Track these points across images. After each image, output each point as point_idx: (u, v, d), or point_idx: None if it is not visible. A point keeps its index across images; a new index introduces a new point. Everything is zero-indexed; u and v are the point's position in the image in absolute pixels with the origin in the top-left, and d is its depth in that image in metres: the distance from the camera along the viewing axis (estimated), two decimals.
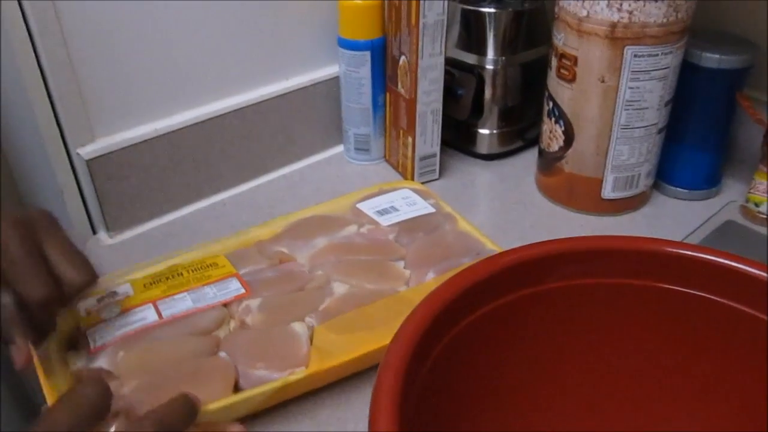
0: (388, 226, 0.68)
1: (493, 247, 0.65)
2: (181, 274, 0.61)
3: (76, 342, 0.56)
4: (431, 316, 0.42)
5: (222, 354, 0.54)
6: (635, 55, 0.65)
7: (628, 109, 0.68)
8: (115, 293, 0.58)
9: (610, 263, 0.46)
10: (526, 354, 0.49)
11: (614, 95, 0.68)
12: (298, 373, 0.52)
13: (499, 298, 0.47)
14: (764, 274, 0.43)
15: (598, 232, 0.73)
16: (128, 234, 0.74)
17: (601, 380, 0.49)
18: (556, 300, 0.47)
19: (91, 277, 0.49)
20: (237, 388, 0.52)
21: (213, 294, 0.59)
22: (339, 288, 0.61)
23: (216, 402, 0.49)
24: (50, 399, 0.49)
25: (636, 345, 0.48)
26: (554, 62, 0.71)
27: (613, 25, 0.64)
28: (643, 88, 0.67)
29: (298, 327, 0.56)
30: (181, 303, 0.57)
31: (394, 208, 0.71)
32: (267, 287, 0.60)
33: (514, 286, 0.47)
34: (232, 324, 0.58)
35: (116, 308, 0.57)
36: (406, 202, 0.72)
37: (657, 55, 0.66)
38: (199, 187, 0.78)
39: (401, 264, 0.64)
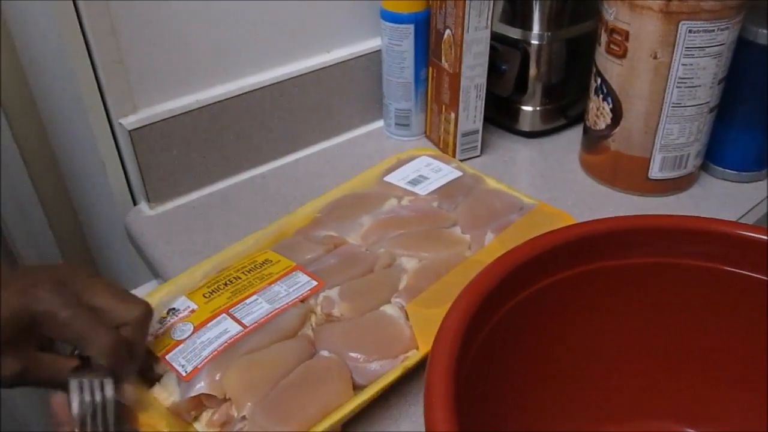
0: (428, 194, 0.68)
1: (530, 201, 0.67)
2: (239, 277, 0.57)
3: (152, 374, 0.51)
4: (479, 296, 0.42)
5: (324, 353, 0.52)
6: (690, 31, 0.63)
7: (680, 87, 0.66)
8: (175, 310, 0.55)
9: (673, 243, 0.45)
10: (577, 333, 0.48)
11: (666, 72, 0.66)
12: (413, 357, 0.51)
13: (546, 277, 0.46)
14: None
15: (644, 212, 0.71)
16: (169, 205, 0.74)
17: (655, 359, 0.49)
18: (600, 281, 0.47)
19: (146, 306, 0.47)
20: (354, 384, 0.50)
21: (285, 291, 0.56)
22: (408, 263, 0.60)
23: (346, 404, 0.48)
24: None
25: (696, 327, 0.47)
26: (604, 37, 0.70)
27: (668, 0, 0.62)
28: (696, 65, 0.65)
29: (391, 309, 0.55)
30: (257, 307, 0.54)
31: (423, 177, 0.70)
32: (335, 274, 0.58)
33: (558, 268, 0.46)
34: (314, 319, 0.55)
35: (187, 325, 0.53)
36: (431, 169, 0.71)
37: (713, 30, 0.64)
38: (238, 160, 0.78)
39: (456, 229, 0.64)
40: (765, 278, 0.45)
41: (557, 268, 0.46)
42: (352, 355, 0.51)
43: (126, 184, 0.74)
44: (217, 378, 0.49)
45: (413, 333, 0.53)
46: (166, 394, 0.50)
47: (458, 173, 0.71)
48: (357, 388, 0.50)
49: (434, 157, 0.73)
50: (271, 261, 0.59)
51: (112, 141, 0.71)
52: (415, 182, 0.69)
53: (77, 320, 0.44)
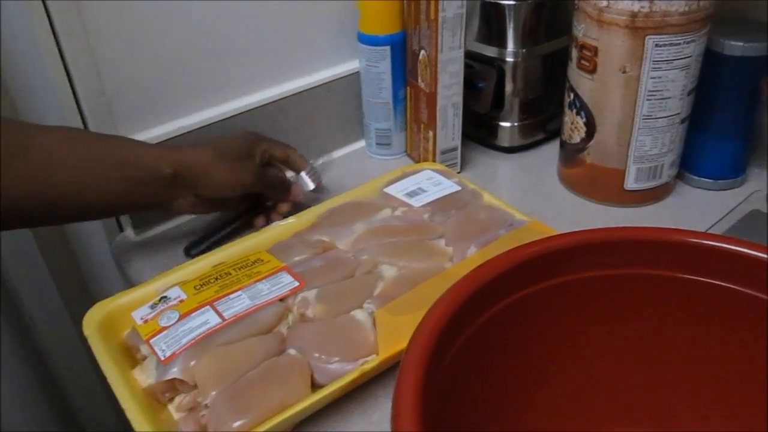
0: (421, 206, 0.69)
1: (522, 217, 0.67)
2: (230, 273, 0.61)
3: (134, 357, 0.56)
4: (452, 309, 0.43)
5: (292, 351, 0.54)
6: (657, 45, 0.65)
7: (650, 99, 0.68)
8: (166, 298, 0.58)
9: (631, 254, 0.46)
10: (545, 345, 0.49)
11: (636, 85, 0.67)
12: (372, 361, 0.53)
13: (519, 290, 0.47)
14: None
15: (621, 223, 0.72)
16: (154, 231, 0.76)
17: (623, 370, 0.49)
18: (576, 292, 0.47)
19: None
20: (313, 383, 0.53)
21: (268, 289, 0.59)
22: (388, 271, 0.62)
23: (300, 402, 0.50)
24: (135, 423, 0.49)
25: (658, 336, 0.48)
26: (574, 53, 0.71)
27: (634, 15, 0.64)
28: (665, 78, 0.67)
29: (360, 314, 0.57)
30: (239, 302, 0.57)
31: (421, 189, 0.72)
32: (318, 277, 0.60)
33: (534, 279, 0.47)
34: (291, 318, 0.58)
35: (174, 313, 0.57)
36: (431, 183, 0.73)
37: (679, 44, 0.65)
38: None
39: (442, 242, 0.65)
40: (733, 287, 0.46)
41: (532, 280, 0.47)
42: (315, 354, 0.54)
43: None
44: (191, 365, 0.52)
45: (376, 338, 0.55)
46: (144, 376, 0.53)
47: (457, 188, 0.72)
48: (317, 387, 0.52)
49: (438, 171, 0.75)
50: (262, 260, 0.62)
51: None
52: (412, 194, 0.71)
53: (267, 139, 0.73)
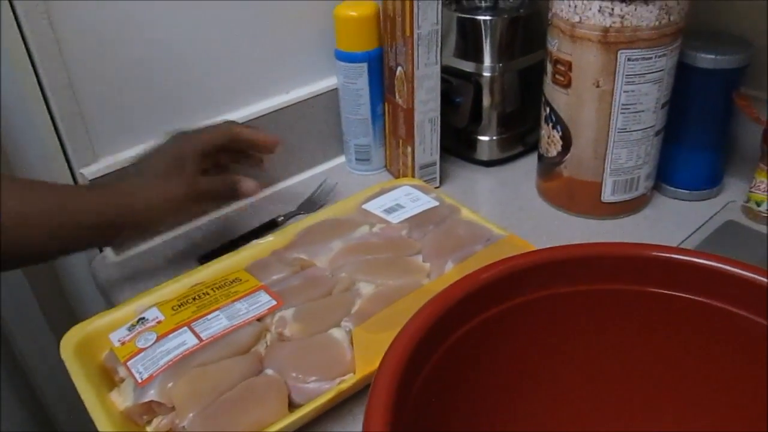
0: (399, 223, 0.69)
1: (500, 232, 0.67)
2: (207, 293, 0.61)
3: (112, 380, 0.56)
4: (425, 326, 0.43)
5: (269, 371, 0.54)
6: (629, 59, 0.66)
7: (624, 113, 0.69)
8: (144, 319, 0.58)
9: (598, 270, 0.46)
10: (519, 362, 0.49)
11: (610, 99, 0.68)
12: (348, 380, 0.53)
13: (490, 308, 0.47)
14: (762, 278, 0.43)
15: (599, 235, 0.73)
16: (133, 251, 0.75)
17: (595, 386, 0.50)
18: (546, 308, 0.48)
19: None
20: (290, 403, 0.53)
21: (245, 309, 0.59)
22: (365, 288, 0.62)
23: (277, 423, 0.50)
24: None
25: (629, 350, 0.48)
26: (549, 68, 0.72)
27: (606, 30, 0.65)
28: (638, 92, 0.68)
29: (337, 333, 0.57)
30: (216, 322, 0.57)
31: (399, 206, 0.72)
32: (295, 295, 0.61)
33: (505, 296, 0.47)
34: (269, 337, 0.58)
35: (151, 335, 0.56)
36: (409, 199, 0.73)
37: (651, 58, 0.66)
38: None
39: (419, 258, 0.66)
40: (707, 301, 0.46)
41: (503, 297, 0.47)
42: (293, 374, 0.54)
43: None
44: (168, 387, 0.52)
45: (353, 357, 0.55)
46: (121, 399, 0.53)
47: (435, 203, 0.72)
48: (295, 407, 0.52)
49: (416, 186, 0.75)
50: (241, 280, 0.62)
51: None
52: (390, 210, 0.71)
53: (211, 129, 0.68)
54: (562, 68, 0.69)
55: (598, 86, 0.68)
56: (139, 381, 0.53)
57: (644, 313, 0.47)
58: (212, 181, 0.66)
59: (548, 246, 0.48)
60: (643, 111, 0.69)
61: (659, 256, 0.45)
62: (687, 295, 0.45)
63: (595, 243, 0.48)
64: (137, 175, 0.63)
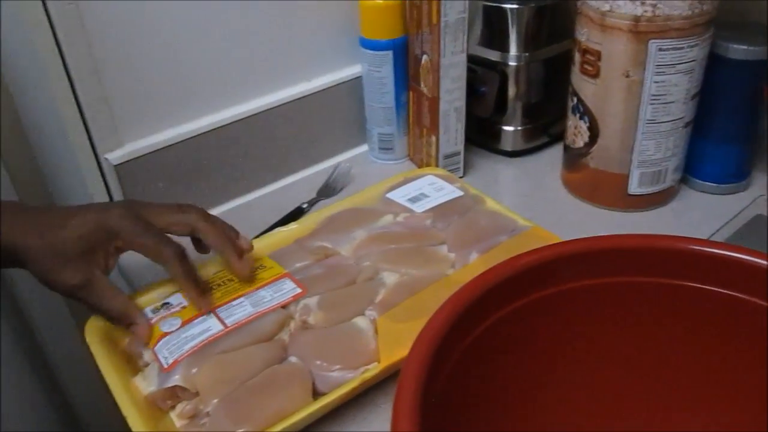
0: (423, 212, 0.69)
1: (525, 223, 0.67)
2: (232, 280, 0.61)
3: (136, 365, 0.56)
4: (451, 319, 0.42)
5: (293, 359, 0.54)
6: (660, 49, 0.65)
7: (653, 104, 0.68)
8: (168, 304, 0.59)
9: (626, 262, 0.46)
10: (544, 354, 0.49)
11: (639, 90, 0.67)
12: (373, 369, 0.53)
13: (519, 298, 0.47)
14: None
15: (624, 228, 0.72)
16: None
17: (618, 378, 0.49)
18: (577, 300, 0.47)
19: (198, 210, 0.59)
20: (314, 391, 0.52)
21: (270, 296, 0.59)
22: (389, 277, 0.61)
23: (301, 410, 0.50)
24: (137, 430, 0.49)
25: (655, 344, 0.48)
26: (577, 58, 0.71)
27: (637, 19, 0.64)
28: (668, 82, 0.66)
29: (361, 321, 0.57)
30: (241, 309, 0.57)
31: (423, 195, 0.71)
32: (319, 284, 0.60)
33: (534, 287, 0.47)
34: (293, 324, 0.58)
35: (176, 320, 0.57)
36: (433, 188, 0.72)
37: (682, 48, 0.65)
38: (224, 189, 0.79)
39: (443, 248, 0.65)
40: (737, 295, 0.45)
41: (532, 288, 0.47)
42: (317, 362, 0.53)
43: None
44: (192, 372, 0.52)
45: (377, 346, 0.54)
46: (145, 383, 0.53)
47: (459, 193, 0.72)
48: (319, 395, 0.52)
49: (440, 176, 0.75)
50: (265, 266, 0.62)
51: (99, 176, 0.72)
52: (414, 200, 0.71)
53: (148, 236, 0.55)
54: (591, 58, 0.68)
55: (627, 76, 0.67)
56: (165, 366, 0.53)
57: (680, 306, 0.46)
58: (107, 299, 0.55)
59: (573, 238, 0.48)
60: (672, 102, 0.68)
61: (699, 250, 0.44)
62: (722, 290, 0.44)
63: (633, 234, 0.47)
64: (45, 234, 0.53)
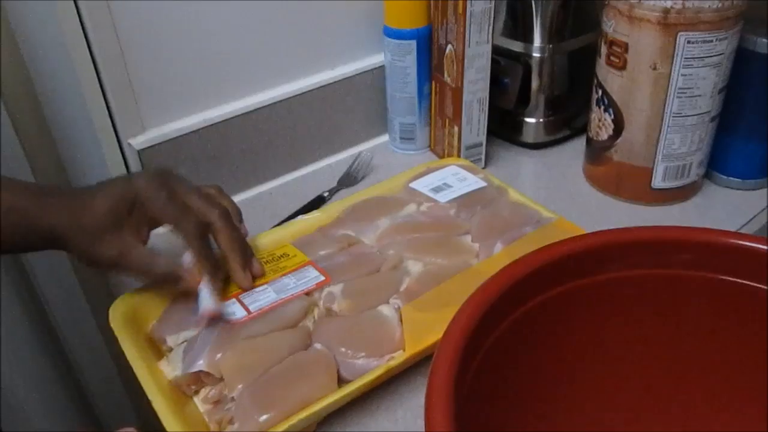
0: (447, 202, 0.69)
1: (549, 215, 0.66)
2: None
3: (159, 349, 0.56)
4: (484, 306, 0.42)
5: (318, 346, 0.54)
6: (689, 42, 0.64)
7: (680, 97, 0.67)
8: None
9: (664, 254, 0.45)
10: (574, 344, 0.48)
11: (666, 83, 0.67)
12: (398, 358, 0.53)
13: (550, 289, 0.46)
14: None
15: (647, 222, 0.72)
16: None
17: (653, 370, 0.49)
18: (607, 291, 0.47)
19: (222, 208, 0.58)
20: (338, 378, 0.52)
21: (294, 284, 0.59)
22: (414, 266, 0.61)
23: (327, 397, 0.50)
24: (163, 415, 0.49)
25: (688, 337, 0.47)
26: (604, 49, 0.70)
27: (666, 11, 0.63)
28: (696, 75, 0.66)
29: (386, 310, 0.57)
30: (264, 295, 0.57)
31: (447, 185, 0.71)
32: (344, 272, 0.60)
33: (565, 278, 0.46)
34: (317, 312, 0.58)
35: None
36: (457, 179, 0.72)
37: (711, 41, 0.64)
38: (245, 177, 0.79)
39: (467, 238, 0.65)
40: (763, 287, 0.45)
41: (562, 279, 0.47)
42: (342, 349, 0.53)
43: None
44: (216, 358, 0.52)
45: (402, 335, 0.54)
46: (169, 368, 0.53)
47: (483, 184, 0.71)
48: (343, 382, 0.52)
49: (463, 166, 0.74)
50: (288, 255, 0.63)
51: (122, 160, 0.72)
52: (437, 190, 0.70)
53: (171, 205, 0.54)
54: (618, 50, 0.68)
55: (654, 69, 0.66)
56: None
57: (713, 300, 0.46)
58: (147, 264, 0.55)
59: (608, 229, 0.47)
60: (699, 96, 0.67)
61: (737, 243, 0.44)
62: (753, 284, 0.44)
63: (667, 227, 0.47)
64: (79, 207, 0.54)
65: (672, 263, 0.47)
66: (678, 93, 0.67)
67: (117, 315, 0.57)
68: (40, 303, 0.91)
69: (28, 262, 0.86)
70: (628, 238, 0.47)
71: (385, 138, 0.88)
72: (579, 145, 0.83)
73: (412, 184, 0.71)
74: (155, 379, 0.52)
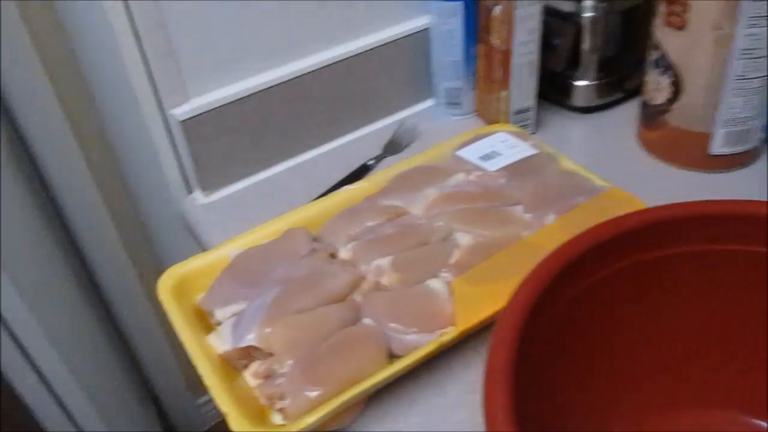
0: (496, 171, 0.66)
1: (603, 184, 0.64)
2: None
3: (209, 322, 0.56)
4: (545, 282, 0.41)
5: (367, 320, 0.54)
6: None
7: (744, 58, 0.63)
8: None
9: (736, 228, 0.43)
10: (634, 321, 0.47)
11: (729, 43, 0.63)
12: (450, 333, 0.52)
13: (610, 265, 0.45)
14: None
15: (706, 190, 0.69)
16: (222, 193, 0.75)
17: (714, 348, 0.47)
18: (675, 266, 0.45)
19: None
20: (389, 354, 0.52)
21: None
22: (463, 238, 0.60)
23: (377, 374, 0.49)
24: (213, 389, 0.49)
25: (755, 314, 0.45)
26: (662, 8, 0.67)
27: None
28: (761, 35, 0.62)
29: (436, 284, 0.56)
30: None
31: (496, 153, 0.69)
32: (392, 243, 0.59)
33: (627, 253, 0.45)
34: (365, 285, 0.57)
35: None
36: (506, 146, 0.70)
37: None
38: (288, 145, 0.78)
39: (518, 208, 0.63)
40: None
41: (624, 254, 0.45)
42: (392, 325, 0.53)
43: (180, 173, 0.75)
44: (266, 332, 0.52)
45: (453, 309, 0.53)
46: (219, 342, 0.53)
47: (533, 151, 0.69)
48: (393, 357, 0.52)
49: (512, 133, 0.72)
50: None
51: (165, 131, 0.72)
52: (486, 158, 0.68)
53: None
54: (678, 9, 0.64)
55: (718, 29, 0.62)
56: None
57: None
58: None
59: (652, 200, 0.45)
60: (764, 57, 0.63)
61: None
62: None
63: (739, 201, 0.44)
64: None
65: (729, 237, 0.45)
66: (742, 54, 0.63)
67: (165, 288, 0.57)
68: (91, 274, 0.92)
69: (78, 235, 0.87)
70: (697, 211, 0.45)
71: (429, 103, 0.86)
72: (631, 108, 0.80)
73: (460, 152, 0.69)
74: (205, 353, 0.52)
